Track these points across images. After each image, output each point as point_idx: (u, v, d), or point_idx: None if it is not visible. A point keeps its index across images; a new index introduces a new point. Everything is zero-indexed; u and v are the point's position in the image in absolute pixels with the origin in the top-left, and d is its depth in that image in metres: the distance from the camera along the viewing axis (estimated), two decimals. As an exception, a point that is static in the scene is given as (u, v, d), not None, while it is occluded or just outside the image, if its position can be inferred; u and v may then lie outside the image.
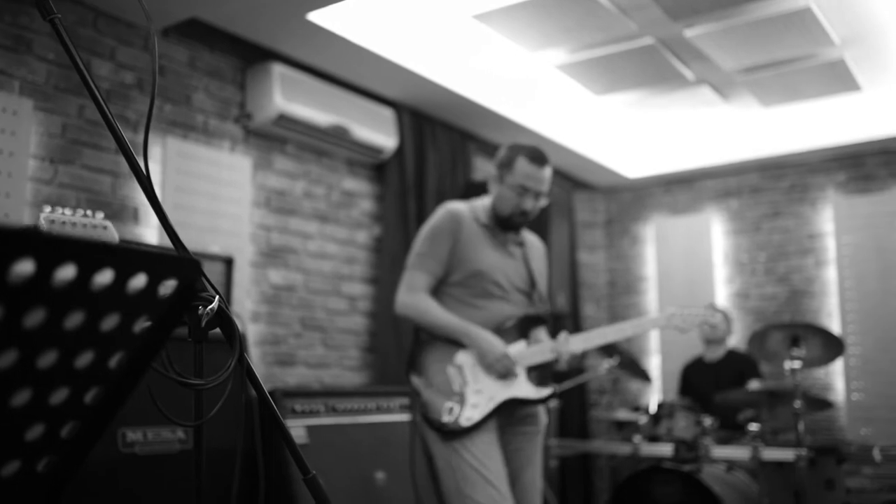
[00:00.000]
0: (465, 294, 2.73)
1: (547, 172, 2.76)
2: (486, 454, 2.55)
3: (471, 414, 2.58)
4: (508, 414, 2.70)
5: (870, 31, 4.30)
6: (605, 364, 4.70)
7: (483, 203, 2.86)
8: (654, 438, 4.29)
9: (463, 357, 2.67)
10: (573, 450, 4.98)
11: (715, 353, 5.34)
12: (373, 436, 3.62)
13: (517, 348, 2.70)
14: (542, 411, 2.80)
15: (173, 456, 2.89)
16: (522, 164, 2.73)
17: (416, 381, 2.67)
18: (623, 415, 5.05)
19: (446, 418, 2.58)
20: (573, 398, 5.82)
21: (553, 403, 4.52)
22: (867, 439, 5.56)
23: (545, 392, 2.68)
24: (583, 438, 5.86)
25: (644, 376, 5.10)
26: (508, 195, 2.75)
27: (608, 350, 4.70)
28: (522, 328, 2.75)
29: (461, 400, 2.61)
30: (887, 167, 5.78)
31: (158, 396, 2.80)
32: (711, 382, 5.05)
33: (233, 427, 3.17)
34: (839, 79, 4.78)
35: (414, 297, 2.72)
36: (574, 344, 2.69)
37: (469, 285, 2.73)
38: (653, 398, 6.00)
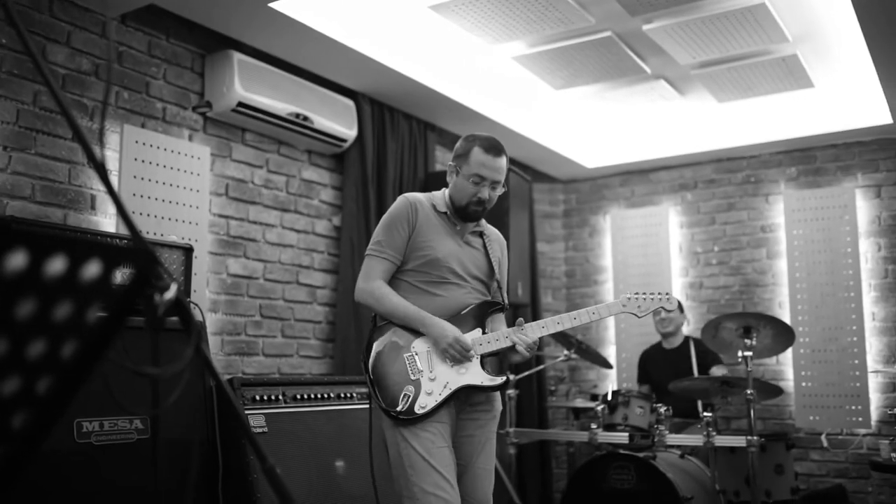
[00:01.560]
0: (422, 281, 2.75)
1: (502, 162, 2.79)
2: (434, 443, 2.57)
3: (425, 401, 2.60)
4: (463, 401, 2.72)
5: (822, 27, 4.40)
6: (564, 353, 4.77)
7: (441, 193, 2.89)
8: (610, 426, 4.37)
9: (419, 344, 2.69)
10: (531, 437, 5.04)
11: (672, 342, 5.43)
12: (332, 424, 3.63)
13: (473, 336, 2.72)
14: (497, 398, 2.82)
15: (131, 446, 2.88)
16: (478, 154, 2.76)
17: (371, 367, 2.69)
18: (580, 403, 5.12)
19: (401, 405, 2.60)
20: (531, 387, 5.88)
21: (511, 391, 4.56)
22: (815, 426, 5.71)
23: (500, 379, 2.70)
24: (540, 426, 5.93)
25: (604, 363, 5.18)
26: (464, 185, 2.77)
27: (566, 339, 4.76)
28: (479, 316, 2.77)
29: (416, 387, 2.63)
30: (837, 162, 5.92)
31: (115, 387, 2.79)
32: (669, 370, 5.15)
33: (191, 417, 3.16)
34: (792, 75, 4.88)
35: (371, 285, 2.73)
36: (531, 331, 2.72)
37: (425, 272, 2.74)
38: (609, 387, 6.08)
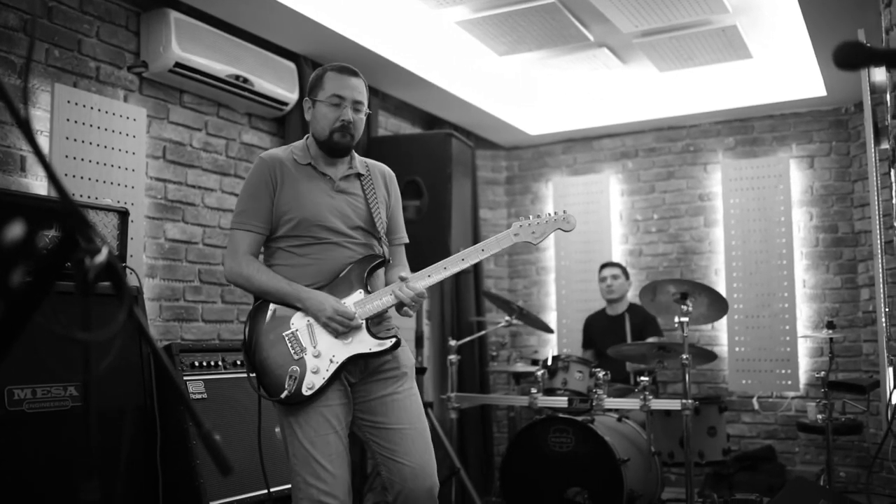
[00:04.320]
0: (295, 246, 2.56)
1: (359, 82, 2.61)
2: (317, 431, 2.44)
3: (312, 381, 2.45)
4: (361, 369, 2.57)
5: (760, -1, 4.46)
6: (505, 319, 4.81)
7: (302, 142, 2.68)
8: (550, 391, 4.44)
9: (298, 319, 2.51)
10: (472, 402, 5.09)
11: (616, 309, 5.53)
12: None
13: (354, 299, 2.54)
14: (402, 354, 2.62)
15: (65, 413, 2.83)
16: (332, 77, 2.59)
17: (252, 352, 2.50)
18: (521, 368, 5.19)
19: (287, 389, 2.44)
20: (472, 352, 5.93)
21: (452, 357, 4.59)
22: (747, 389, 5.90)
23: (388, 343, 2.52)
24: (482, 391, 6.00)
25: (545, 329, 5.24)
26: (324, 111, 2.57)
27: (507, 305, 4.81)
28: (360, 275, 2.57)
29: (301, 366, 2.46)
30: (773, 132, 6.05)
31: (47, 353, 2.72)
32: (611, 335, 5.24)
33: (127, 384, 3.12)
34: (731, 45, 4.95)
35: (239, 263, 2.54)
36: (415, 282, 2.53)
37: (297, 235, 2.55)
38: (549, 352, 6.17)
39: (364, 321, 2.53)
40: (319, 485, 2.40)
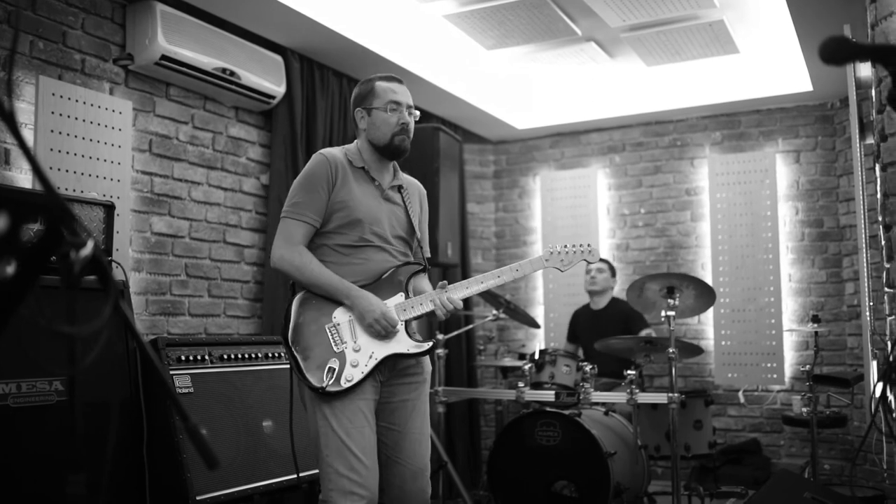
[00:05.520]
0: (342, 245, 2.64)
1: (406, 89, 2.76)
2: (353, 423, 2.50)
3: (351, 374, 2.53)
4: (390, 368, 2.66)
5: (747, -6, 4.47)
6: (493, 313, 4.82)
7: (354, 146, 2.77)
8: (537, 385, 4.45)
9: (340, 314, 2.60)
10: (459, 396, 5.10)
11: (598, 303, 5.54)
12: (260, 384, 3.61)
13: (396, 301, 2.65)
14: (426, 361, 2.76)
15: (50, 407, 2.81)
16: (382, 85, 2.72)
17: (292, 341, 2.58)
18: (508, 362, 5.20)
19: (326, 380, 2.51)
20: (460, 346, 5.94)
21: (440, 351, 4.59)
22: (733, 383, 5.93)
23: (426, 345, 2.65)
24: (469, 385, 6.01)
25: (532, 323, 5.25)
26: (383, 117, 2.69)
27: (495, 299, 4.81)
28: (401, 280, 2.69)
29: (341, 359, 2.54)
30: (759, 127, 6.08)
31: (32, 347, 2.71)
32: (596, 330, 5.25)
33: (113, 378, 3.10)
34: (718, 40, 4.97)
35: (291, 251, 2.60)
36: (454, 293, 2.67)
37: (346, 234, 2.64)
38: (537, 346, 6.19)
39: (403, 323, 2.64)
40: (353, 475, 2.46)
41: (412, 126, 2.75)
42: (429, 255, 2.90)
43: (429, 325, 5.66)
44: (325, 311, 2.60)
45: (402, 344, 2.62)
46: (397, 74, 2.81)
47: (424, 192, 2.96)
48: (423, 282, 2.83)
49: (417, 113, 2.78)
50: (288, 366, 3.62)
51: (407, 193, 2.81)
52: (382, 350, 2.59)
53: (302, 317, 2.60)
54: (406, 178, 2.88)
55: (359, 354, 2.56)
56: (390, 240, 2.71)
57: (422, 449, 2.68)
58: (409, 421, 2.66)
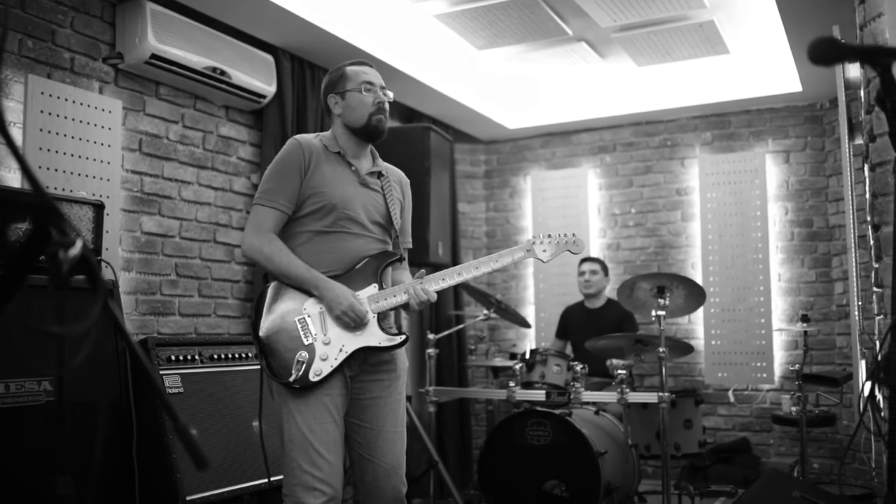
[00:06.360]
0: (316, 231, 2.57)
1: (376, 71, 2.73)
2: (317, 418, 2.45)
3: (320, 367, 2.47)
4: (361, 362, 2.59)
5: (737, -5, 4.49)
6: (483, 312, 4.82)
7: (329, 133, 2.71)
8: (528, 384, 4.46)
9: (311, 305, 2.54)
10: (450, 396, 5.11)
11: (594, 303, 5.55)
12: (250, 384, 3.60)
13: (368, 293, 2.57)
14: (400, 355, 2.69)
15: (39, 408, 2.80)
16: (353, 69, 2.70)
17: (262, 334, 2.52)
18: (499, 362, 5.20)
19: (294, 373, 2.46)
20: (451, 346, 5.94)
21: (431, 350, 4.59)
22: (723, 382, 5.95)
23: (398, 339, 2.57)
24: (460, 385, 6.01)
25: (523, 323, 5.26)
26: (359, 98, 2.64)
27: (486, 299, 4.82)
28: (376, 270, 2.61)
29: (310, 352, 2.49)
30: (749, 127, 6.10)
31: (23, 347, 2.69)
32: (588, 330, 5.25)
33: (103, 378, 3.09)
34: (709, 41, 4.98)
35: (261, 239, 2.54)
36: (429, 284, 2.59)
37: (320, 219, 2.57)
38: (527, 346, 6.20)
39: (375, 315, 2.57)
40: (315, 471, 2.42)
41: (388, 106, 2.70)
42: (410, 246, 2.83)
43: (420, 323, 5.66)
44: (296, 302, 2.54)
45: (374, 337, 2.55)
46: (366, 60, 2.80)
47: (407, 181, 2.89)
48: (403, 273, 2.76)
49: (391, 94, 2.72)
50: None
51: (387, 181, 2.74)
52: (353, 343, 2.52)
53: (272, 307, 2.54)
54: (387, 166, 2.80)
55: (328, 347, 2.50)
56: (367, 226, 2.63)
57: (395, 448, 2.62)
58: (382, 419, 2.60)
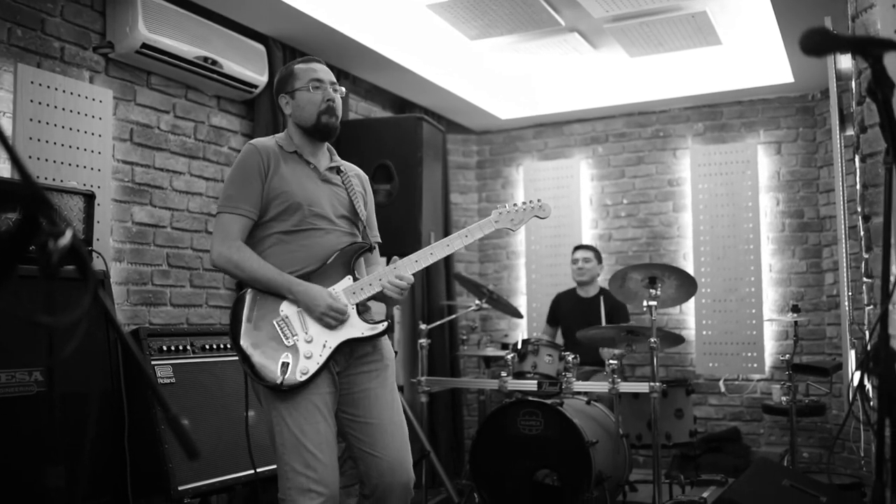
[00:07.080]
0: (284, 232, 2.56)
1: (326, 68, 2.70)
2: (307, 419, 2.43)
3: (306, 366, 2.46)
4: (347, 356, 2.58)
5: (729, -15, 4.49)
6: (475, 303, 4.83)
7: (283, 134, 2.71)
8: (519, 374, 4.46)
9: (287, 307, 2.52)
10: (442, 386, 5.11)
11: (587, 291, 5.56)
12: (241, 375, 3.58)
13: (343, 285, 2.57)
14: (385, 345, 2.67)
15: (30, 398, 2.80)
16: (302, 66, 2.68)
17: (243, 342, 2.49)
18: (491, 352, 5.21)
19: (280, 375, 2.44)
20: (443, 336, 5.94)
21: (423, 340, 4.59)
22: (714, 372, 5.98)
23: (380, 327, 2.56)
24: (452, 375, 6.01)
25: (515, 313, 5.26)
26: (307, 97, 2.62)
27: (478, 289, 4.82)
28: (347, 262, 2.60)
29: (294, 352, 2.48)
30: (741, 118, 6.11)
31: (13, 338, 2.69)
32: (580, 318, 5.26)
33: (93, 369, 3.09)
34: (701, 31, 4.98)
35: (229, 247, 2.51)
36: (402, 269, 2.57)
37: (287, 220, 2.55)
38: (519, 336, 6.20)
39: (354, 307, 2.56)
40: (309, 473, 2.40)
41: (339, 103, 2.68)
42: (378, 239, 2.82)
43: (412, 313, 5.66)
44: (272, 305, 2.52)
45: (356, 328, 2.54)
46: (317, 57, 2.78)
47: (366, 177, 2.89)
48: (375, 265, 2.76)
49: (342, 90, 2.70)
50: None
51: (346, 176, 2.73)
52: (336, 338, 2.51)
53: (250, 314, 2.51)
54: (344, 162, 2.79)
55: (312, 345, 2.49)
56: (334, 220, 2.63)
57: (396, 440, 2.57)
58: (377, 411, 2.57)
